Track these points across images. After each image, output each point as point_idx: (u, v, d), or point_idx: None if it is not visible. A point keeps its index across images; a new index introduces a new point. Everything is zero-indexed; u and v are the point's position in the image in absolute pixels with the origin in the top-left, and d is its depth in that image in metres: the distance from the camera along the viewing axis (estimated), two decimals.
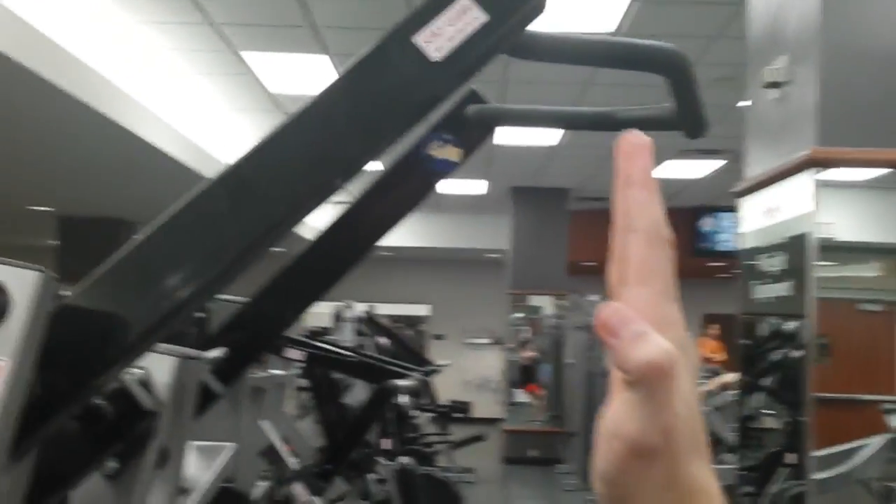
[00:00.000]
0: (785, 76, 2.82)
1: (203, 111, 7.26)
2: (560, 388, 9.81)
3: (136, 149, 6.38)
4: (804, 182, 2.73)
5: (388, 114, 0.79)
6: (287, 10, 5.23)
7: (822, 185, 2.75)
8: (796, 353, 3.20)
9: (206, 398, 1.23)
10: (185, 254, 0.76)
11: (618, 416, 0.41)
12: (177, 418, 1.08)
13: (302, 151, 0.78)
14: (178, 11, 5.31)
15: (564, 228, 10.75)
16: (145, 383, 0.98)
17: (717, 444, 5.23)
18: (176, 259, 0.76)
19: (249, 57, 6.15)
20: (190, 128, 7.01)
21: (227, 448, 1.52)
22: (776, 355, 3.55)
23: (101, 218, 9.88)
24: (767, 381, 3.65)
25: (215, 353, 1.20)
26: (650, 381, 0.40)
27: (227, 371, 1.32)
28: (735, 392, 4.86)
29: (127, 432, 0.93)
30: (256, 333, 1.40)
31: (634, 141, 0.45)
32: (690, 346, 0.43)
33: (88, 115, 5.50)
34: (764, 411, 3.78)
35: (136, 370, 0.98)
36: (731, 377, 7.22)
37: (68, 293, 0.77)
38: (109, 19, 5.40)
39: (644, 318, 0.41)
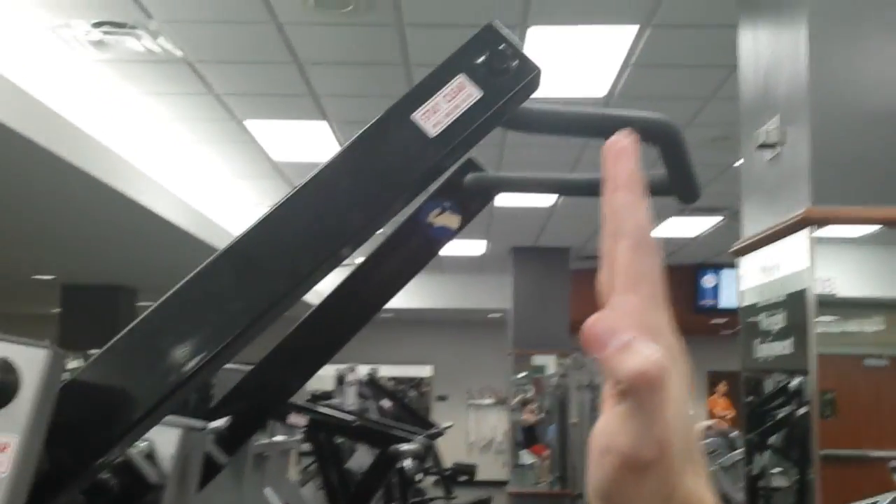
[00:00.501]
0: (777, 137, 2.87)
1: (205, 178, 7.35)
2: (565, 449, 9.69)
3: (138, 216, 6.44)
4: (801, 240, 2.76)
5: (388, 188, 0.81)
6: (288, 79, 5.34)
7: (820, 241, 2.77)
8: (801, 410, 3.18)
9: (210, 468, 1.23)
10: (191, 328, 0.77)
11: (610, 428, 0.40)
12: (181, 490, 1.08)
13: (305, 225, 0.80)
14: (180, 82, 5.41)
15: (566, 287, 10.75)
16: (150, 456, 0.99)
17: None
18: (182, 333, 0.77)
19: (252, 125, 6.25)
20: (192, 195, 7.09)
21: None
22: (781, 413, 3.53)
23: (102, 285, 9.91)
24: (774, 439, 3.61)
25: (219, 422, 1.20)
26: (640, 391, 0.39)
27: (231, 440, 1.33)
28: (740, 451, 4.81)
29: None
30: (260, 401, 1.40)
31: (619, 144, 0.45)
32: (680, 354, 0.42)
33: (91, 184, 5.57)
34: (772, 470, 3.74)
35: (140, 443, 0.98)
36: (707, 423, 7.15)
37: (75, 365, 0.78)
38: (111, 91, 5.50)
39: (632, 326, 0.40)
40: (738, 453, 5.09)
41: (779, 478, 3.69)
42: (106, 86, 5.43)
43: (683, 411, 0.41)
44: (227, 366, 1.59)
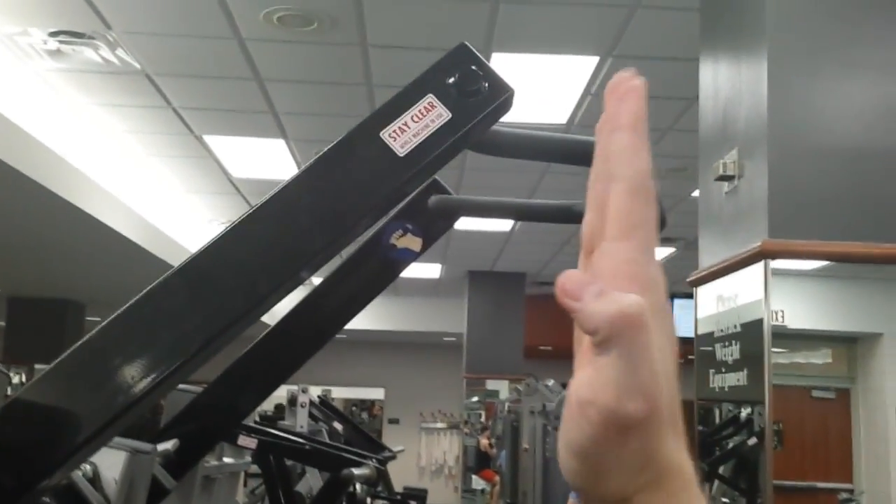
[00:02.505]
0: (735, 170, 2.91)
1: (160, 192, 7.23)
2: (516, 475, 9.67)
3: (89, 228, 6.30)
4: (756, 272, 2.79)
5: (353, 207, 0.79)
6: (248, 95, 5.29)
7: (774, 273, 2.81)
8: (751, 441, 3.21)
9: (156, 492, 1.18)
10: (142, 348, 0.74)
11: (591, 381, 0.37)
12: None
13: (266, 244, 0.77)
14: (138, 95, 5.33)
15: (521, 313, 10.78)
16: (94, 479, 0.95)
17: None
18: (133, 353, 0.74)
19: (210, 140, 6.17)
20: (146, 209, 6.97)
21: None
22: (731, 442, 3.55)
23: (49, 299, 9.68)
24: (724, 469, 3.64)
25: (167, 445, 1.16)
26: (621, 335, 0.36)
27: (179, 463, 1.28)
28: None
29: None
30: (211, 423, 1.36)
31: (628, 82, 0.42)
32: (670, 312, 0.40)
33: (41, 194, 5.44)
34: (721, 499, 3.76)
35: (85, 465, 0.94)
36: None
37: (17, 379, 0.74)
38: (66, 101, 5.40)
39: (623, 276, 0.38)
40: None
41: None
42: (61, 96, 5.33)
43: (668, 368, 0.38)
44: (178, 386, 1.55)
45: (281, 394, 5.85)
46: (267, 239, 0.77)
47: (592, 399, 0.37)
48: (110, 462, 0.99)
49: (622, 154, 0.40)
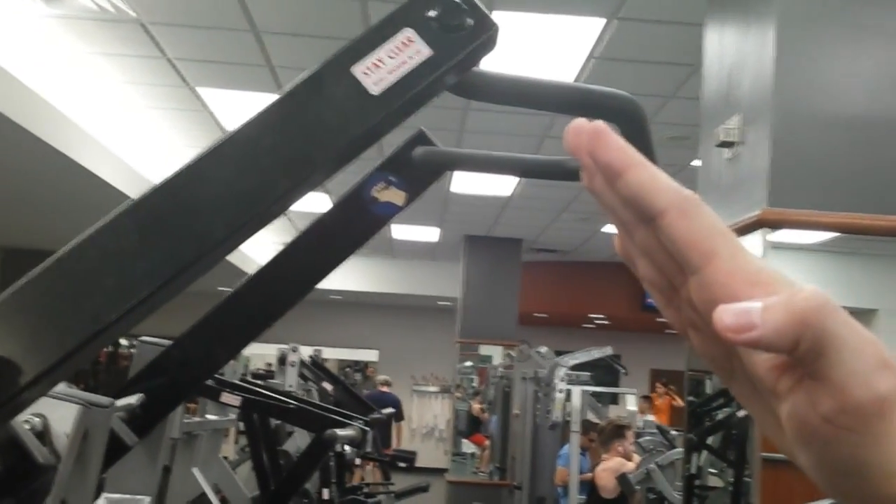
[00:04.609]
0: (737, 136, 2.84)
1: (155, 145, 7.15)
2: (506, 440, 9.71)
3: (82, 181, 6.23)
4: (754, 242, 2.73)
5: (319, 148, 0.73)
6: (245, 48, 5.19)
7: (773, 246, 2.75)
8: (741, 413, 3.18)
9: (117, 449, 1.13)
10: (83, 291, 0.68)
11: (828, 390, 0.34)
12: (79, 472, 0.99)
13: (223, 184, 0.71)
14: (132, 44, 5.23)
15: (516, 279, 10.74)
16: (42, 434, 0.89)
17: (663, 503, 5.18)
18: (74, 297, 0.68)
19: (205, 93, 6.07)
20: (140, 161, 6.88)
21: (143, 501, 1.42)
22: (721, 414, 3.53)
23: (43, 251, 9.62)
24: (712, 440, 3.62)
25: (129, 399, 1.11)
26: (824, 323, 0.33)
27: (145, 419, 1.23)
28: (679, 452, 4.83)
29: (17, 489, 0.84)
30: (179, 378, 1.31)
31: (589, 126, 0.38)
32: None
33: (32, 144, 5.35)
34: (709, 470, 3.75)
35: (33, 419, 0.89)
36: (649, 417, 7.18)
37: None
38: (59, 48, 5.29)
39: (746, 285, 0.34)
40: (677, 452, 5.11)
41: (715, 478, 3.70)
42: (54, 42, 5.22)
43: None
44: (146, 339, 1.50)
45: (272, 352, 5.83)
46: (224, 180, 0.71)
47: (840, 404, 0.34)
48: (62, 416, 0.93)
49: (646, 189, 0.37)
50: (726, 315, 0.34)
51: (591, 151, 0.37)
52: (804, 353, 0.33)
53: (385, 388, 12.01)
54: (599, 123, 0.38)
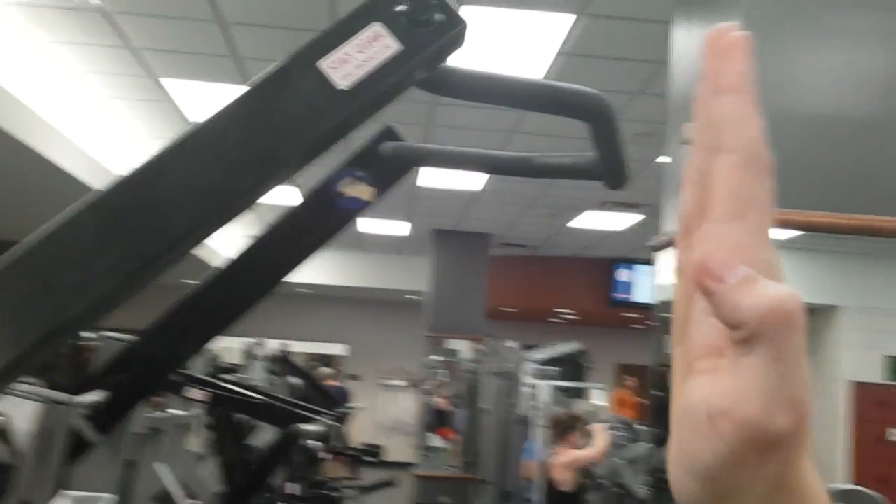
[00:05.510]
0: None
1: (118, 136, 7.04)
2: (475, 435, 9.73)
3: (43, 172, 6.12)
4: None
5: (285, 143, 0.72)
6: (210, 38, 5.12)
7: None
8: None
9: (80, 445, 1.11)
10: (42, 288, 0.67)
11: (729, 389, 0.32)
12: (40, 469, 0.97)
13: (185, 180, 0.70)
14: (95, 33, 5.14)
15: (484, 273, 10.76)
16: (3, 432, 0.88)
17: (629, 497, 5.22)
18: (33, 293, 0.67)
19: (169, 84, 5.99)
20: (103, 152, 6.78)
21: (106, 499, 1.39)
22: None
23: (4, 242, 9.46)
24: None
25: (91, 396, 1.09)
26: (775, 333, 0.31)
27: (108, 415, 1.21)
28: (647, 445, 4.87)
29: None
30: (143, 374, 1.29)
31: (730, 36, 0.36)
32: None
33: None
34: None
35: None
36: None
37: None
38: (21, 36, 5.19)
39: (742, 262, 0.33)
40: (643, 446, 5.16)
41: None
42: (15, 31, 5.12)
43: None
44: (109, 334, 1.47)
45: (238, 346, 5.77)
46: (188, 175, 0.70)
47: (730, 410, 0.31)
48: (23, 414, 0.91)
49: (730, 121, 0.35)
50: (711, 259, 0.33)
51: (713, 55, 0.36)
52: (740, 338, 0.32)
53: (333, 382, 11.91)
54: (743, 36, 0.37)
